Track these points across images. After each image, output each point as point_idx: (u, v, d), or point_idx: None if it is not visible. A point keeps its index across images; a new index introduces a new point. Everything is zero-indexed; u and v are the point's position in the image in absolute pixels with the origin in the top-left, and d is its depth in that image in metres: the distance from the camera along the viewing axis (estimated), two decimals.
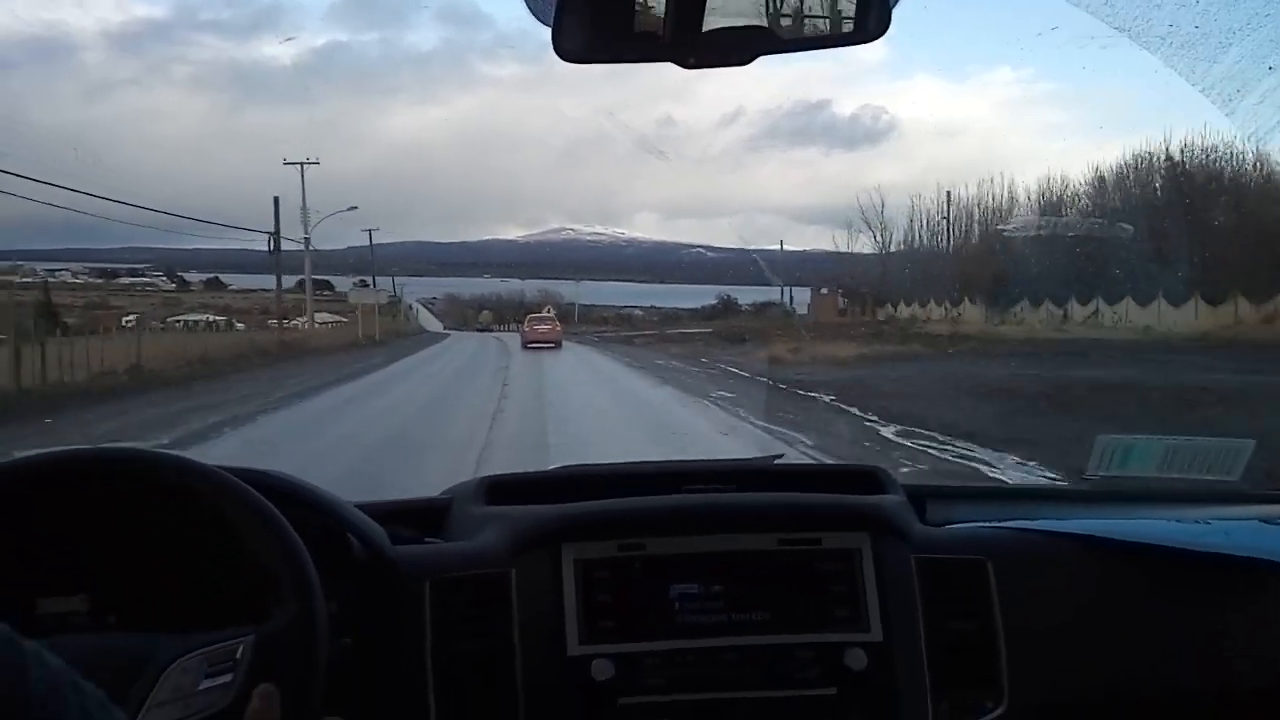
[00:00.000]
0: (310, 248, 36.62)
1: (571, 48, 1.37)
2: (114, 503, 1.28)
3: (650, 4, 1.34)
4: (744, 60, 1.36)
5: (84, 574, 1.29)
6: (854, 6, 1.30)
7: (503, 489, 1.70)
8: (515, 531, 1.52)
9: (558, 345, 32.30)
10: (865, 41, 1.30)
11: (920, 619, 1.48)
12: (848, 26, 1.31)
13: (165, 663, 1.11)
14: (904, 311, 34.38)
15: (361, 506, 1.54)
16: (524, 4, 1.46)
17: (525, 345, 31.53)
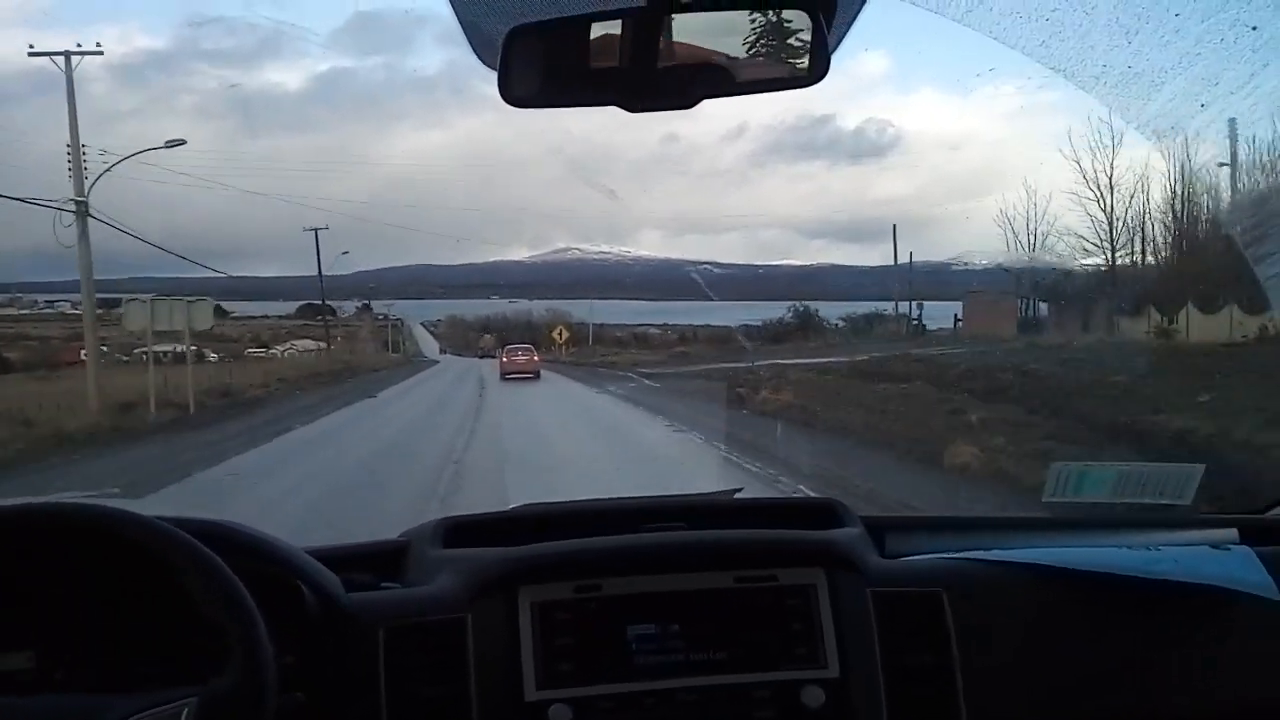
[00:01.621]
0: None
1: (517, 94, 1.38)
2: (58, 558, 1.25)
3: (592, 51, 1.36)
4: (688, 104, 1.38)
5: (30, 631, 1.27)
6: (796, 52, 1.32)
7: (460, 531, 1.69)
8: (471, 575, 1.51)
9: (536, 375, 31.27)
10: (806, 85, 1.33)
11: (878, 653, 1.48)
12: (789, 70, 1.34)
13: None
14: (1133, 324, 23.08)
15: (315, 552, 1.52)
16: (472, 52, 1.48)
17: (504, 376, 30.49)
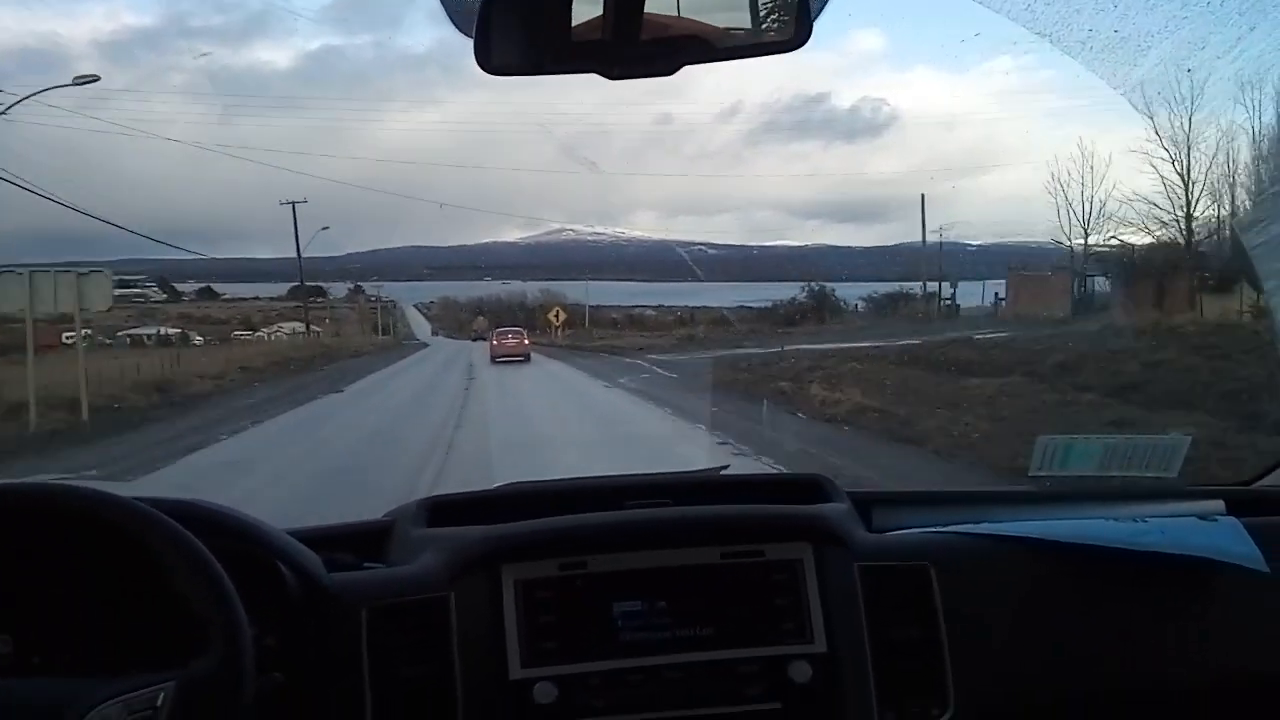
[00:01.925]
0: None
1: (496, 61, 1.35)
2: (33, 539, 1.23)
3: (571, 16, 1.34)
4: (669, 70, 1.35)
5: (7, 615, 1.24)
6: (777, 16, 1.30)
7: (443, 510, 1.67)
8: (454, 553, 1.49)
9: (526, 358, 30.30)
10: (787, 50, 1.30)
11: (865, 628, 1.47)
12: (772, 35, 1.31)
13: (84, 710, 1.06)
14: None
15: (297, 533, 1.50)
16: (448, 18, 1.45)
17: (494, 359, 29.81)
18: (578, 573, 1.46)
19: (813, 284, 35.75)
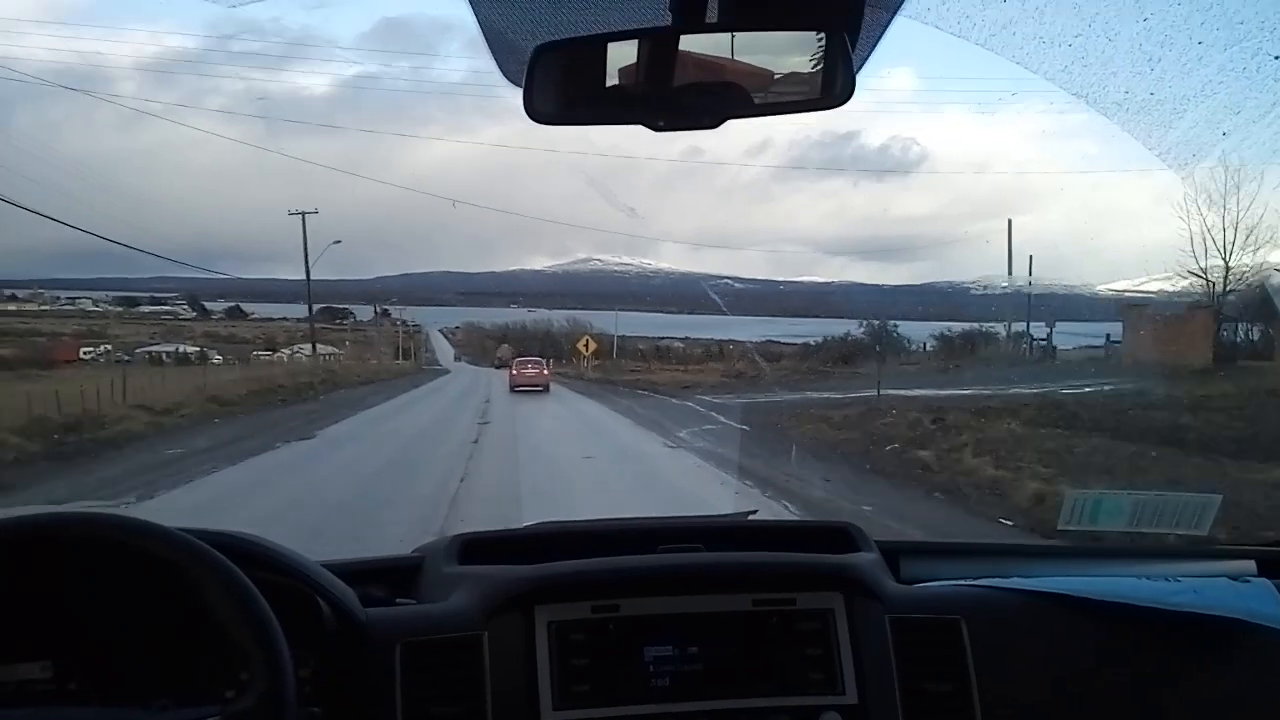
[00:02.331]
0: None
1: (543, 110, 1.38)
2: (79, 568, 1.24)
3: (619, 68, 1.37)
4: (713, 124, 1.38)
5: (47, 640, 1.25)
6: (822, 72, 1.32)
7: (475, 548, 1.68)
8: (487, 593, 1.49)
9: (545, 389, 29.96)
10: (831, 107, 1.32)
11: (895, 680, 1.47)
12: (815, 92, 1.34)
13: None
14: None
15: (330, 565, 1.51)
16: (498, 69, 1.49)
17: (513, 388, 29.62)
18: (610, 615, 1.47)
19: (873, 320, 33.47)
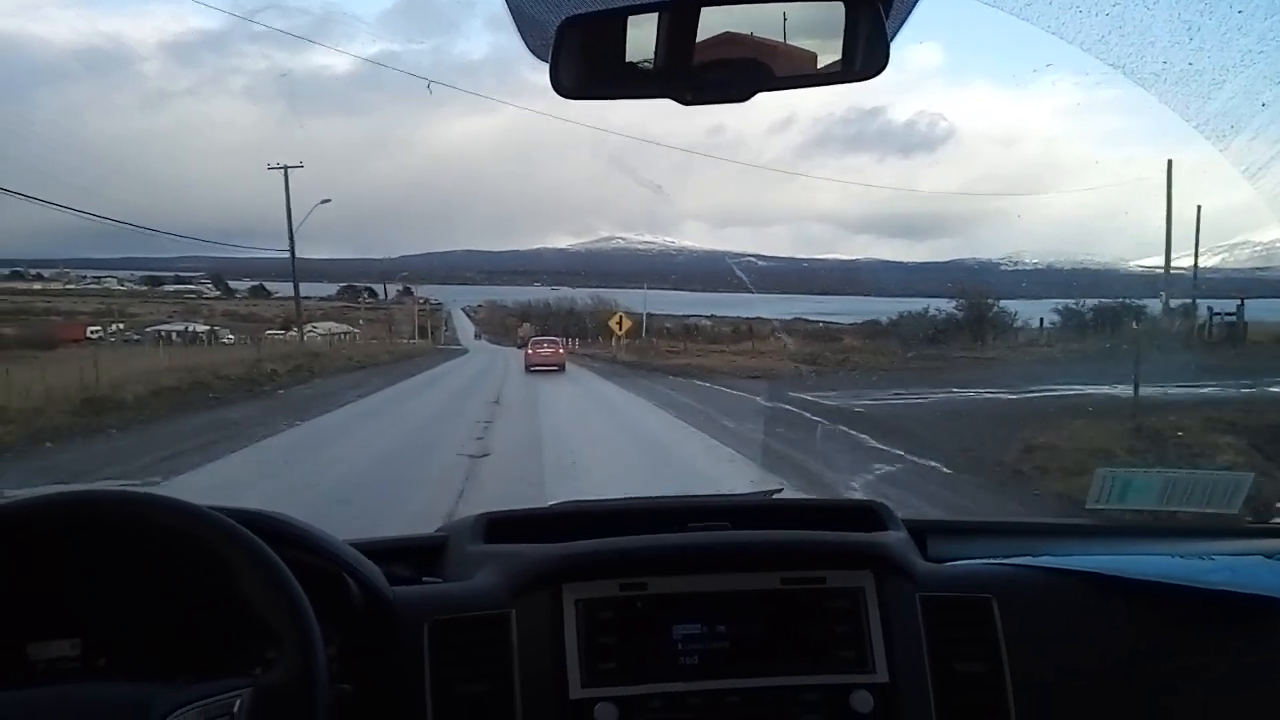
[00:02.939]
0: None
1: (569, 84, 1.37)
2: (108, 546, 1.25)
3: (646, 42, 1.35)
4: (742, 97, 1.36)
5: (75, 617, 1.26)
6: (853, 44, 1.30)
7: (501, 526, 1.68)
8: (515, 571, 1.49)
9: (560, 368, 29.28)
10: (864, 79, 1.30)
11: (926, 659, 1.46)
12: (846, 64, 1.31)
13: (163, 713, 1.07)
14: None
15: (356, 544, 1.51)
16: (523, 43, 1.47)
17: (528, 368, 29.00)
18: (638, 594, 1.46)
19: (970, 295, 28.38)
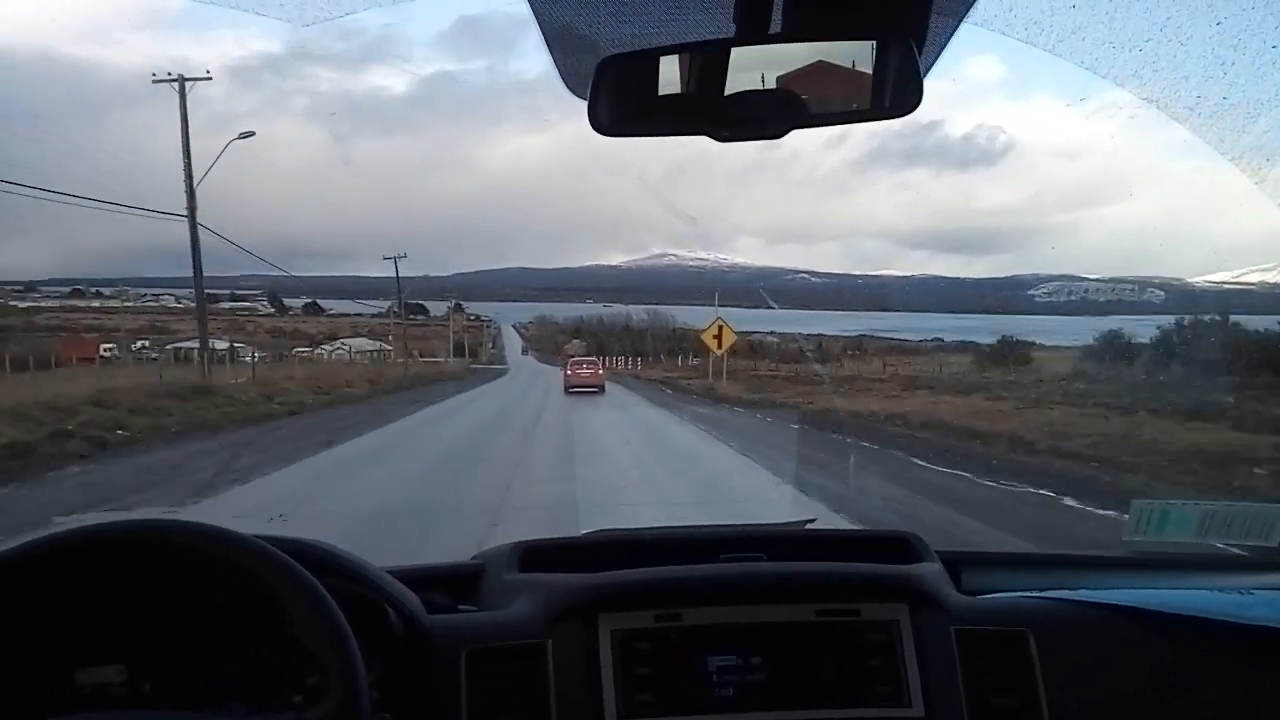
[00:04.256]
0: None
1: (607, 122, 1.39)
2: (154, 574, 1.27)
3: (683, 80, 1.37)
4: (777, 134, 1.38)
5: (121, 644, 1.28)
6: (886, 80, 1.32)
7: (536, 555, 1.69)
8: (551, 601, 1.50)
9: (601, 389, 27.71)
10: (898, 115, 1.32)
11: (962, 693, 1.45)
12: (880, 100, 1.33)
13: None
14: None
15: (393, 572, 1.53)
16: (562, 82, 1.50)
17: (568, 390, 27.74)
18: (673, 624, 1.47)
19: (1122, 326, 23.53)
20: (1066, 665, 1.48)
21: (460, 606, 1.60)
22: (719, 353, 25.12)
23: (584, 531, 1.88)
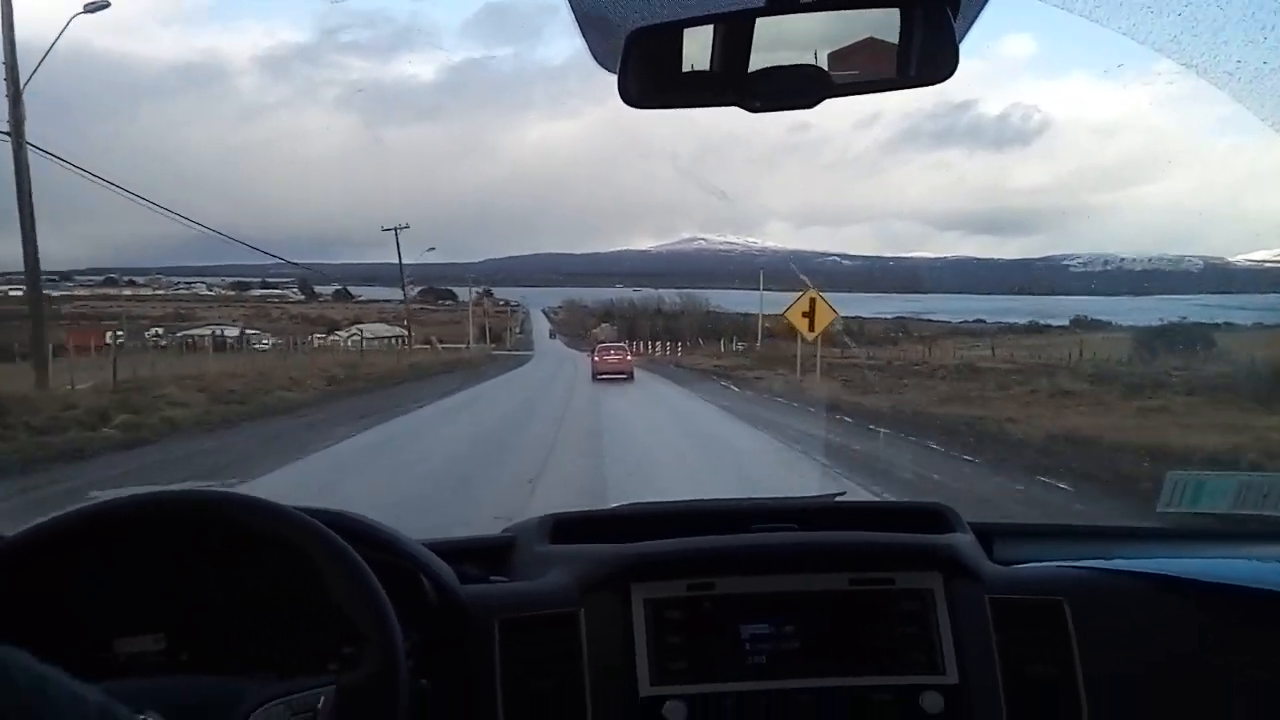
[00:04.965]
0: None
1: (637, 94, 1.39)
2: (193, 545, 1.29)
3: (713, 51, 1.37)
4: (810, 104, 1.37)
5: (160, 613, 1.31)
6: (921, 47, 1.30)
7: (567, 527, 1.71)
8: (583, 571, 1.52)
9: (630, 376, 27.46)
10: (933, 83, 1.30)
11: (997, 661, 1.46)
12: (914, 68, 1.31)
13: (250, 708, 1.11)
14: None
15: (427, 544, 1.54)
16: (592, 57, 1.50)
17: (595, 376, 27.36)
18: (706, 594, 1.48)
19: None
20: (1102, 634, 1.48)
21: (492, 578, 1.62)
22: (810, 338, 18.16)
23: (615, 504, 1.89)
